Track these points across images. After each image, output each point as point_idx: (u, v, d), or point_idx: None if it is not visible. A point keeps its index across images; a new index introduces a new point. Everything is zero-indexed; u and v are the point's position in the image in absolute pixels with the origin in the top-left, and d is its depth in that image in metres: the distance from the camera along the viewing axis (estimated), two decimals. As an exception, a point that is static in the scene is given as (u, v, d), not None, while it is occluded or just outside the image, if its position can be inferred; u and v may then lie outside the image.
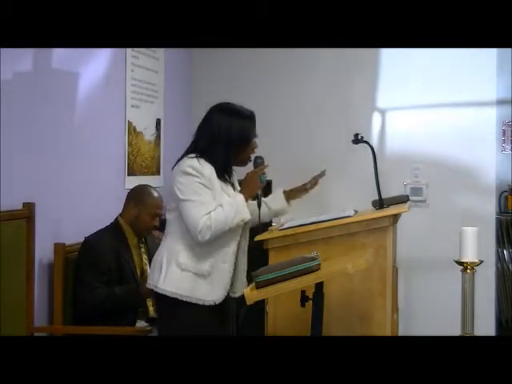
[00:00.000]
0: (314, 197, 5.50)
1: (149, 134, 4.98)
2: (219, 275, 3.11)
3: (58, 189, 3.84)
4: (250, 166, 3.25)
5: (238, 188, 3.24)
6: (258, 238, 3.63)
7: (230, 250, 3.13)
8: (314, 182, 3.53)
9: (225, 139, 3.10)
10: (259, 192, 3.20)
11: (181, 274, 3.06)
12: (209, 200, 3.05)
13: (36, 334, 3.54)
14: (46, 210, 3.63)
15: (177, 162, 3.15)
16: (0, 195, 3.27)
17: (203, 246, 3.07)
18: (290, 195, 3.44)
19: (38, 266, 3.63)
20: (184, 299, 3.05)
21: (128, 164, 4.68)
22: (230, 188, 3.17)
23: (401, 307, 4.29)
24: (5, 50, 3.24)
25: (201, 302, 3.07)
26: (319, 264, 2.94)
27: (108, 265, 3.72)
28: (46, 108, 3.73)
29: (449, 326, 4.30)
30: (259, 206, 3.20)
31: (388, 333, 3.51)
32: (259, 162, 3.20)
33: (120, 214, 3.92)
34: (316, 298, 3.00)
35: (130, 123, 4.69)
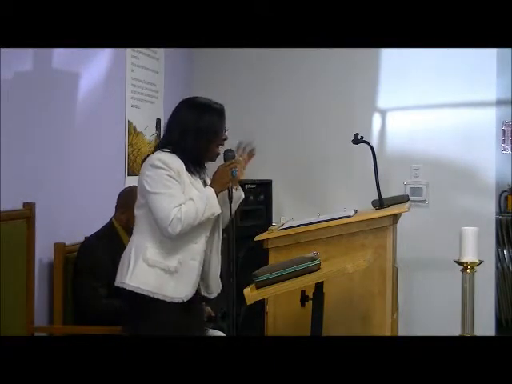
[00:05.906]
0: (314, 197, 5.56)
1: (149, 133, 4.98)
2: (187, 272, 3.02)
3: (57, 189, 3.83)
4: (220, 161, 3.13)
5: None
6: (258, 237, 3.63)
7: (199, 246, 3.04)
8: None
9: (193, 132, 3.03)
10: (230, 186, 3.08)
11: (148, 269, 2.98)
12: (178, 193, 2.97)
13: (36, 334, 3.54)
14: (46, 210, 3.63)
15: (146, 157, 3.10)
16: (0, 195, 3.27)
17: (171, 241, 2.99)
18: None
19: (38, 266, 3.62)
20: (151, 295, 2.96)
21: (128, 164, 4.68)
22: (199, 182, 3.09)
23: (401, 307, 4.29)
24: (5, 50, 3.23)
25: (168, 299, 2.98)
26: (319, 264, 2.94)
27: (106, 269, 3.69)
28: (46, 108, 3.73)
29: (449, 326, 4.30)
30: (230, 200, 3.08)
31: (388, 333, 3.51)
32: (230, 156, 3.09)
33: (114, 216, 3.88)
34: (316, 297, 3.00)
35: (130, 123, 4.69)
